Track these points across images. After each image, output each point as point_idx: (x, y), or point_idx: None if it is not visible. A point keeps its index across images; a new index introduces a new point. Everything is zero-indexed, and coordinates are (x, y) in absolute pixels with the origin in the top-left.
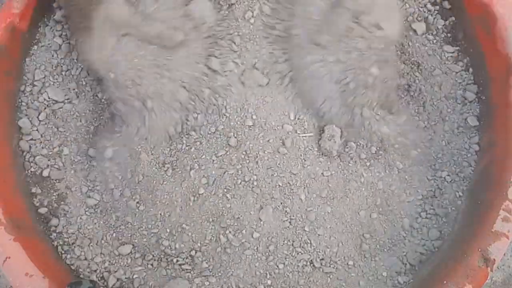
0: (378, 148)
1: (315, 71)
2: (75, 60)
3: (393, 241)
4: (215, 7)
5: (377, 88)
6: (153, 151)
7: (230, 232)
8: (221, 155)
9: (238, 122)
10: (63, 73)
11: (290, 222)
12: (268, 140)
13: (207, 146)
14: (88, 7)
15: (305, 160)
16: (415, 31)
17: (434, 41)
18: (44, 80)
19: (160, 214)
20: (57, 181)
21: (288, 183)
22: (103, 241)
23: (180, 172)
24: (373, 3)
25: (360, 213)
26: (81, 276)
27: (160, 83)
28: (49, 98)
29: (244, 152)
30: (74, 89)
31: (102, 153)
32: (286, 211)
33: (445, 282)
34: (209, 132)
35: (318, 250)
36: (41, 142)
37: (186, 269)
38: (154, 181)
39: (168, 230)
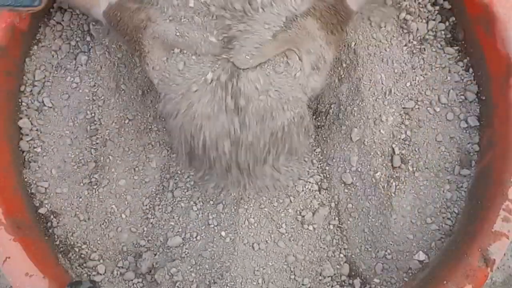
0: None
1: None
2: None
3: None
4: None
5: None
6: None
7: None
8: None
9: None
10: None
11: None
12: None
13: None
14: (136, 27)
15: None
16: (416, 30)
17: (435, 41)
18: (44, 80)
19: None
20: None
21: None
22: None
23: None
24: None
25: None
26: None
27: None
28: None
29: None
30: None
31: None
32: None
33: (445, 282)
34: None
35: None
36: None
37: None
38: None
39: None
